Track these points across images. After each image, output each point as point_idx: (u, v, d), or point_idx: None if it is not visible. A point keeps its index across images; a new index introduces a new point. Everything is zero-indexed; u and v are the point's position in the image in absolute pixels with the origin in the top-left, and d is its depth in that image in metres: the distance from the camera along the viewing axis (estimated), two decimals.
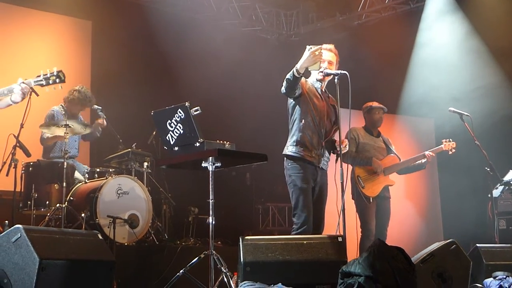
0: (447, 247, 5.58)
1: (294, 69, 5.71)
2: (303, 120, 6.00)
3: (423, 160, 7.79)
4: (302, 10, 12.31)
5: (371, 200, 7.55)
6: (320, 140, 6.05)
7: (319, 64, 5.76)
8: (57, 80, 5.86)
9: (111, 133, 8.39)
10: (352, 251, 6.74)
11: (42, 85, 5.86)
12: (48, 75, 5.75)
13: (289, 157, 6.04)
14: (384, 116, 8.05)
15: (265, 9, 12.25)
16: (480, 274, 6.01)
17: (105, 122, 8.26)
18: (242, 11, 11.92)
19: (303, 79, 5.98)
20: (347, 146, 6.03)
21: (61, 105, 8.16)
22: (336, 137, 6.10)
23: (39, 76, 5.76)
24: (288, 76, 5.78)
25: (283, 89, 5.89)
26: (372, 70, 10.65)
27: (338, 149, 5.92)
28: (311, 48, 5.68)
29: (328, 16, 11.89)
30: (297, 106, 6.05)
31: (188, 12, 11.32)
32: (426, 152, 7.78)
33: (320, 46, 5.70)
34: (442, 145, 7.86)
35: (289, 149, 6.04)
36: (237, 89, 10.86)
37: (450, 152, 7.83)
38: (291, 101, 6.10)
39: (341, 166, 5.71)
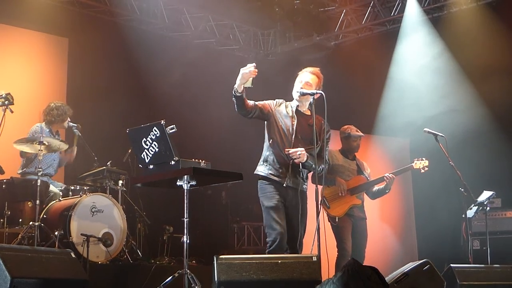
0: (421, 267, 5.59)
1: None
2: (270, 140, 6.05)
3: (385, 184, 7.74)
4: (280, 30, 12.37)
5: (336, 220, 7.48)
6: (287, 160, 5.98)
7: (252, 81, 5.68)
8: (6, 103, 5.88)
9: (86, 151, 8.33)
10: (331, 271, 6.75)
11: None
12: None
13: (258, 176, 6.08)
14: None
15: (243, 28, 12.30)
16: None
17: (74, 154, 8.28)
18: (220, 30, 11.95)
19: (271, 101, 6.10)
20: (304, 156, 5.93)
21: (44, 122, 8.13)
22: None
23: None
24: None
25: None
26: (348, 90, 10.72)
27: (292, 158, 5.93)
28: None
29: (305, 36, 11.94)
30: (268, 126, 6.11)
31: (165, 31, 11.33)
32: (385, 175, 7.66)
33: (253, 64, 5.69)
34: (413, 164, 7.81)
35: (258, 168, 6.10)
36: (214, 108, 10.86)
37: (423, 171, 7.76)
38: (265, 122, 6.11)
39: (316, 186, 5.71)
